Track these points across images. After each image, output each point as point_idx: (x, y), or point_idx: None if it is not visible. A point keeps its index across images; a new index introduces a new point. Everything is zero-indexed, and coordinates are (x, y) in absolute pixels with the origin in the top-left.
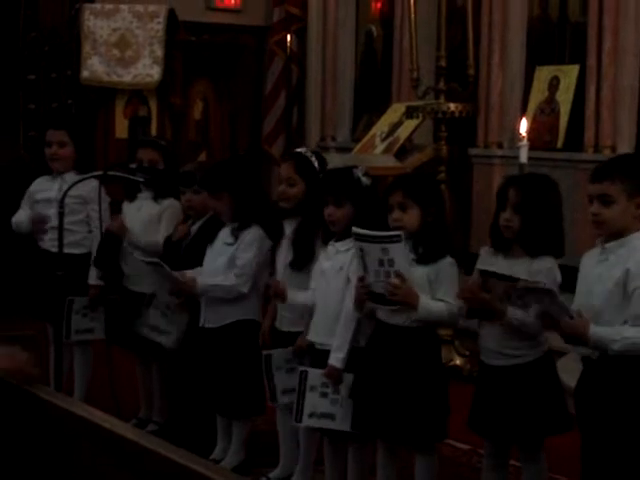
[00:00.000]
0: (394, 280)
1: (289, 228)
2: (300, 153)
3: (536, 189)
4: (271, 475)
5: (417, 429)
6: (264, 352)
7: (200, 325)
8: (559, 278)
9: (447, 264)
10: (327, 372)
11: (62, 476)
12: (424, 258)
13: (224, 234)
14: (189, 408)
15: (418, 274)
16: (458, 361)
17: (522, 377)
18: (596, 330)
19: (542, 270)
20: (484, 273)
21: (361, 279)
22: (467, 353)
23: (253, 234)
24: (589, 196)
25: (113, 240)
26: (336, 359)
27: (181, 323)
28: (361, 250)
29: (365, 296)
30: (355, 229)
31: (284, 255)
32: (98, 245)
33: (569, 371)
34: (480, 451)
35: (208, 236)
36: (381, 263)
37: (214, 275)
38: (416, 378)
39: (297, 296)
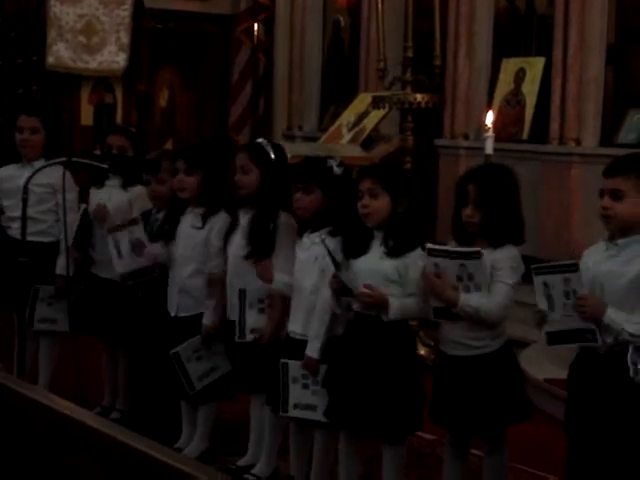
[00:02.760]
0: (364, 290)
1: (244, 218)
2: (256, 142)
3: (494, 182)
4: (239, 463)
5: (391, 421)
6: (282, 360)
7: (173, 315)
8: (522, 267)
9: (417, 257)
10: (304, 363)
11: (23, 463)
12: (394, 251)
13: (190, 219)
14: (154, 397)
15: (389, 267)
16: (422, 351)
17: (483, 367)
18: (611, 311)
19: (504, 259)
20: (432, 252)
21: (335, 276)
22: (432, 343)
23: (222, 219)
24: (601, 190)
25: (87, 224)
26: (312, 349)
27: (219, 349)
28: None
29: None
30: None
31: (236, 245)
32: (77, 227)
33: (533, 362)
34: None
35: (172, 225)
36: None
37: (188, 263)
38: (391, 369)
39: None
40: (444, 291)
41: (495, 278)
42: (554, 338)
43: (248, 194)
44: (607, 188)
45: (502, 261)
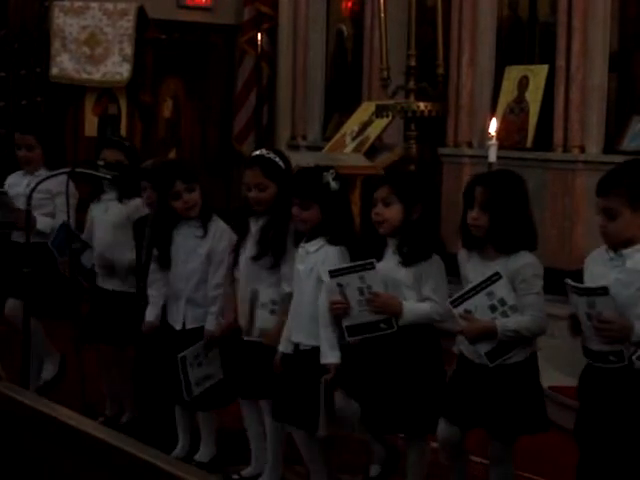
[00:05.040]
0: (368, 296)
1: (255, 226)
2: (263, 156)
3: (502, 186)
4: (243, 473)
5: (413, 418)
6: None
7: (179, 328)
8: (542, 271)
9: (433, 262)
10: (330, 375)
11: (27, 473)
12: (409, 259)
13: (186, 232)
14: (154, 405)
15: (405, 275)
16: None
17: (506, 377)
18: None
19: (520, 267)
20: (455, 302)
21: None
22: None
23: (221, 225)
24: (597, 208)
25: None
26: (335, 357)
27: (216, 357)
28: (339, 285)
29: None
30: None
31: (247, 252)
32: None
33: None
34: None
35: (162, 239)
36: (361, 292)
37: (193, 275)
38: (417, 371)
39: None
40: (479, 324)
41: (522, 292)
42: (588, 355)
43: (266, 208)
44: (600, 207)
45: (522, 270)
